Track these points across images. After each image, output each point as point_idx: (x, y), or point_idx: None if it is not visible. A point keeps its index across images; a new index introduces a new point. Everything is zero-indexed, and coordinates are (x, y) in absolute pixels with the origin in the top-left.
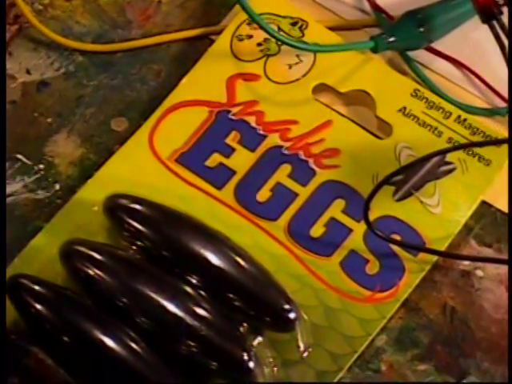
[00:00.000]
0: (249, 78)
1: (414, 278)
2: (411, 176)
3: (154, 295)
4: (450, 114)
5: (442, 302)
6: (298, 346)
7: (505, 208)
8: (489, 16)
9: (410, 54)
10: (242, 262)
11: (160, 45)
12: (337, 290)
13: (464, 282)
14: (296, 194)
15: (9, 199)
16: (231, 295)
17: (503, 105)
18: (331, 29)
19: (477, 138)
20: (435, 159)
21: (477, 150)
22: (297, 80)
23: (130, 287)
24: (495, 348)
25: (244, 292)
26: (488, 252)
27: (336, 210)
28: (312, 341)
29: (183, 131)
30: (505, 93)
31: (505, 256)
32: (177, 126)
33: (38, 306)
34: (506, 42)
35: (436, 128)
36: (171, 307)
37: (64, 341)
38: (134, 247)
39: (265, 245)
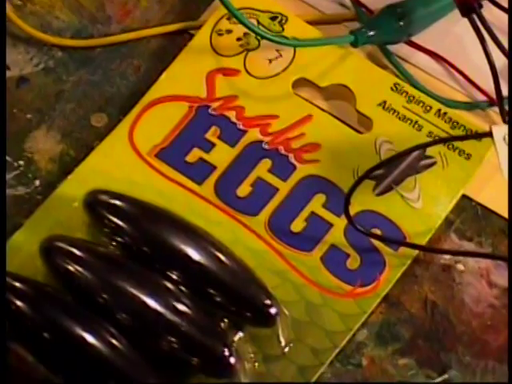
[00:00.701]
0: (228, 72)
1: (394, 273)
2: (391, 170)
3: (134, 291)
4: (430, 107)
5: (422, 297)
6: (279, 341)
7: (485, 202)
8: (468, 9)
9: (390, 48)
10: (222, 258)
11: (139, 40)
12: (317, 285)
13: (445, 276)
14: (276, 189)
15: None
16: (212, 291)
17: (483, 98)
18: (311, 23)
19: (457, 132)
20: (415, 153)
21: (457, 143)
22: (277, 75)
23: (110, 283)
24: (476, 342)
25: (225, 287)
26: (469, 246)
27: (316, 204)
28: (293, 336)
29: (163, 126)
30: (485, 86)
31: (486, 250)
32: (156, 122)
33: (18, 303)
34: (485, 35)
35: (416, 122)
36: (151, 303)
37: (44, 337)
38: (114, 243)
39: (245, 240)
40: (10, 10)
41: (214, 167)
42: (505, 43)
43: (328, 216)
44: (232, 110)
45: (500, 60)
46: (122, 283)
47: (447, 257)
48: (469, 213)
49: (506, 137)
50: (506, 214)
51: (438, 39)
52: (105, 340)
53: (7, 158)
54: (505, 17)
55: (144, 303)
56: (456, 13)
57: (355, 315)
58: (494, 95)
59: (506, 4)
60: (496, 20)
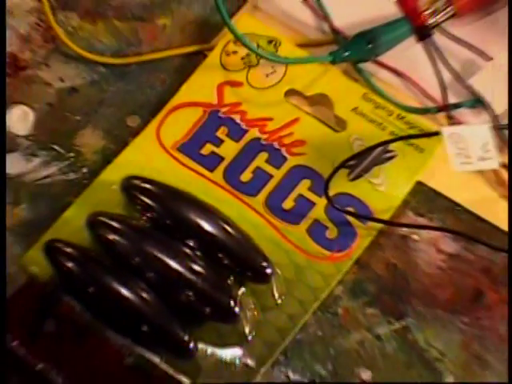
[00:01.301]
0: (234, 84)
1: (364, 242)
2: (362, 161)
3: (160, 255)
4: (392, 112)
5: (385, 260)
6: (273, 295)
7: (435, 186)
8: (423, 36)
9: (361, 65)
10: (229, 229)
11: (164, 58)
12: (303, 251)
13: (403, 244)
14: (271, 176)
15: (46, 180)
16: (220, 255)
17: (433, 105)
18: (299, 45)
19: (413, 131)
20: (380, 148)
21: (413, 140)
22: (272, 86)
23: (141, 249)
24: (427, 295)
25: (231, 252)
26: (422, 221)
27: (303, 188)
28: (284, 291)
29: (183, 126)
30: (435, 96)
31: (435, 224)
32: (178, 122)
33: (69, 264)
34: (435, 55)
35: (381, 124)
36: (173, 264)
37: (89, 291)
38: (144, 217)
39: (247, 215)
40: (64, 36)
41: (223, 158)
42: (450, 62)
43: (312, 197)
44: (237, 114)
45: (446, 75)
46: (150, 249)
47: (405, 229)
48: (422, 195)
49: (454, 136)
50: (451, 196)
51: (398, 58)
52: (137, 293)
53: (61, 150)
54: (450, 42)
55: (167, 264)
56: (413, 38)
57: (333, 274)
58: (441, 103)
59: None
60: (443, 44)
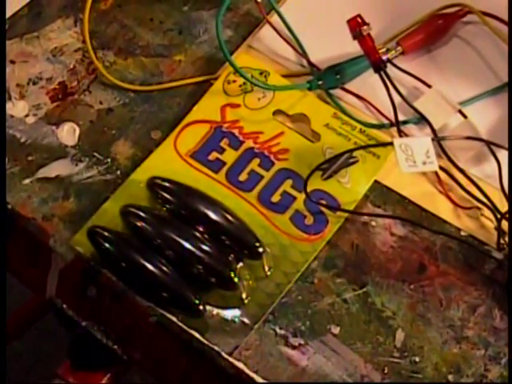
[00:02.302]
0: (234, 106)
1: (333, 227)
2: (332, 165)
3: (176, 237)
4: (355, 127)
5: (350, 241)
6: (264, 268)
7: (388, 184)
8: (378, 68)
9: (331, 91)
10: (229, 217)
11: (180, 86)
12: (287, 234)
13: (364, 229)
14: (262, 176)
15: (89, 180)
16: (223, 237)
17: (387, 122)
18: (283, 76)
19: (371, 142)
20: (346, 155)
21: (371, 149)
22: (263, 107)
23: (161, 233)
24: (383, 268)
25: (231, 235)
26: (378, 210)
27: (287, 185)
28: (272, 265)
29: (194, 138)
30: (388, 114)
31: (388, 213)
32: (190, 135)
33: (106, 245)
34: (388, 83)
35: (347, 136)
36: (187, 244)
37: (122, 265)
38: (164, 209)
39: (244, 207)
40: (102, 68)
41: (225, 163)
42: (400, 88)
43: (294, 192)
44: (236, 129)
45: (396, 98)
46: (169, 233)
47: (365, 217)
48: (378, 191)
49: (403, 145)
50: (401, 191)
51: (360, 86)
52: (158, 267)
53: (100, 157)
54: (399, 73)
55: (182, 245)
56: (371, 70)
57: (310, 252)
58: (393, 120)
59: (402, 65)
60: (394, 75)
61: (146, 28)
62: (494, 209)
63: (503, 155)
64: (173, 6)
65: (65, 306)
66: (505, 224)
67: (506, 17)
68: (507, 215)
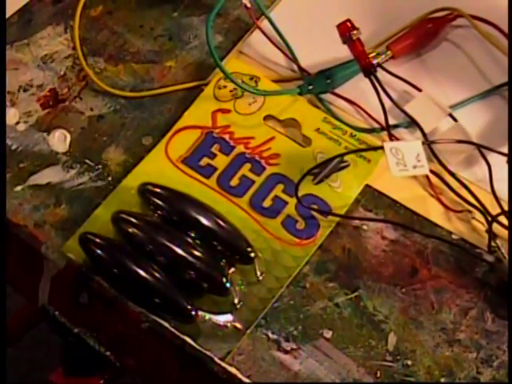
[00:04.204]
0: (224, 111)
1: (325, 231)
2: (323, 169)
3: (168, 243)
4: (346, 132)
5: (342, 245)
6: (256, 273)
7: (379, 188)
8: (368, 72)
9: (322, 96)
10: (221, 223)
11: (171, 92)
12: (279, 239)
13: (355, 233)
14: (254, 181)
15: (80, 186)
16: (215, 243)
17: (377, 126)
18: (274, 81)
19: (362, 146)
20: (337, 159)
21: (362, 153)
22: (253, 112)
23: (153, 239)
24: (374, 272)
25: (222, 241)
26: (370, 214)
27: (278, 190)
28: (264, 269)
29: (185, 144)
30: (378, 118)
31: (379, 217)
32: (182, 141)
33: (98, 251)
34: (378, 88)
35: (337, 140)
36: (178, 250)
37: (114, 272)
38: (156, 215)
39: (235, 212)
40: (93, 75)
41: (216, 168)
42: (390, 92)
43: (285, 197)
44: (227, 134)
45: (387, 102)
46: (160, 239)
47: (357, 221)
48: (369, 195)
49: (393, 149)
50: (392, 195)
51: (350, 90)
52: (150, 273)
53: (91, 163)
54: (390, 77)
55: (174, 251)
56: (361, 75)
57: (302, 257)
58: (384, 124)
59: (392, 69)
60: (384, 79)
61: (136, 34)
62: (484, 212)
63: (494, 158)
64: (163, 13)
65: (57, 313)
66: (496, 227)
67: (495, 20)
68: (498, 218)
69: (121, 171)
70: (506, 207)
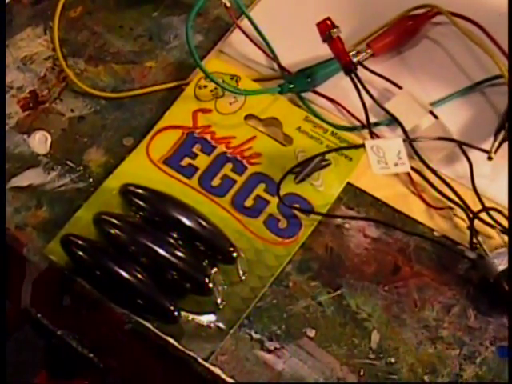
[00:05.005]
0: (205, 111)
1: (307, 230)
2: (304, 168)
3: (150, 244)
4: (327, 130)
5: (324, 244)
6: (239, 273)
7: (361, 186)
8: (348, 71)
9: (303, 94)
10: (203, 223)
11: (151, 92)
12: (261, 238)
13: (338, 232)
14: (235, 181)
15: (61, 188)
16: (197, 243)
17: (358, 124)
18: (254, 80)
19: (343, 144)
20: (319, 158)
21: (343, 151)
22: (234, 112)
23: (135, 239)
24: (357, 270)
25: (205, 241)
26: (351, 213)
27: (260, 190)
28: (247, 269)
29: (167, 144)
30: (359, 116)
31: (361, 215)
32: (163, 141)
33: (80, 253)
34: (359, 86)
35: (319, 139)
36: (160, 251)
37: (96, 273)
38: (138, 216)
39: (217, 212)
40: (73, 76)
41: (198, 168)
42: (371, 90)
43: (267, 196)
44: (208, 134)
45: (368, 100)
46: (143, 240)
47: (339, 220)
48: (351, 193)
49: (374, 147)
50: (373, 193)
51: (331, 89)
52: (133, 274)
53: (73, 165)
54: (370, 75)
55: (156, 251)
56: (342, 73)
57: (284, 256)
58: (364, 122)
59: (373, 67)
60: (365, 77)
61: (116, 35)
62: (466, 208)
63: (474, 155)
64: (143, 13)
65: (40, 315)
66: (477, 223)
67: (474, 17)
68: (479, 214)
69: (102, 172)
70: (486, 204)
